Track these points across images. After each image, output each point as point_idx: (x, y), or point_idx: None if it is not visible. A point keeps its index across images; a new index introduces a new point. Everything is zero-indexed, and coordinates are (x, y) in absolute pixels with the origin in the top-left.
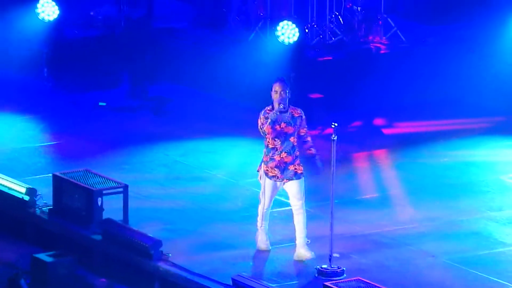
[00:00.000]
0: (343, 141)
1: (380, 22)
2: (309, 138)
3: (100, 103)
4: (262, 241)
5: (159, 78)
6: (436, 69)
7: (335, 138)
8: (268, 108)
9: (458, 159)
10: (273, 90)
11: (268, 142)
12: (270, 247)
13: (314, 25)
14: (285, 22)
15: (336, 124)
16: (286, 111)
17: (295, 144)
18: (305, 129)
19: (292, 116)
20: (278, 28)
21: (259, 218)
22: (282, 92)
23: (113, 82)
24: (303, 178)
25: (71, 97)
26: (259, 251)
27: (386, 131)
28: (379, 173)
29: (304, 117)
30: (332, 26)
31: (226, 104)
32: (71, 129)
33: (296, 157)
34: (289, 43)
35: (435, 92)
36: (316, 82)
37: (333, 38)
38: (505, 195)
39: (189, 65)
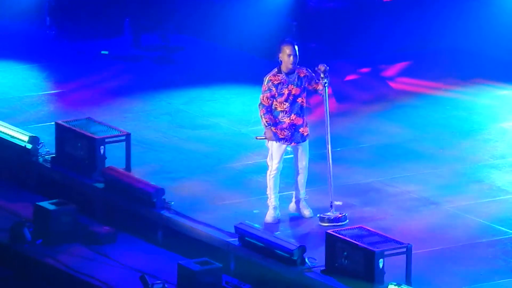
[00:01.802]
0: (343, 90)
1: None
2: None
3: (103, 52)
4: (270, 214)
5: (164, 27)
6: (442, 17)
7: (327, 83)
8: (273, 73)
9: (459, 108)
10: (283, 52)
11: (276, 105)
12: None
13: None
14: None
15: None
16: (293, 73)
17: (304, 105)
18: (318, 83)
19: (298, 77)
20: None
21: (269, 190)
22: (294, 56)
23: (117, 30)
24: (308, 139)
25: (74, 45)
26: (263, 200)
27: (391, 81)
28: (382, 121)
29: (310, 74)
30: None
31: (228, 53)
32: (74, 77)
33: (305, 118)
34: None
35: (440, 42)
36: (318, 31)
37: None
38: (507, 142)
39: (192, 15)
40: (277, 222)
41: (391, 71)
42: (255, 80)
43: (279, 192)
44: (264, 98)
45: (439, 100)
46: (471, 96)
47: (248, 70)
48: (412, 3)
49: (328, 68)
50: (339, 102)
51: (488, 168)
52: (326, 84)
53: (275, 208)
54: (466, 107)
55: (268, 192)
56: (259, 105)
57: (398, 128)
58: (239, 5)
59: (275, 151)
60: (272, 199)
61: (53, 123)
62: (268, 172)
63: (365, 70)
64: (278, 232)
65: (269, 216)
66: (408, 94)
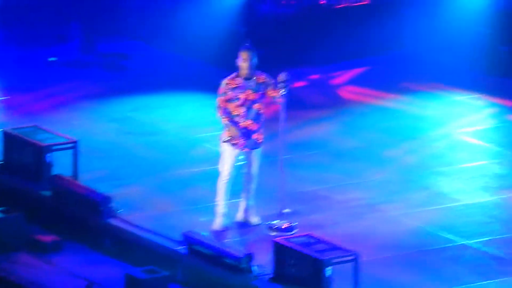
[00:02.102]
0: (297, 95)
1: None
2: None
3: (51, 59)
4: (217, 222)
5: (113, 34)
6: (388, 25)
7: (284, 92)
8: (231, 76)
9: (407, 115)
10: (239, 58)
11: (232, 109)
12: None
13: None
14: None
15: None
16: (251, 78)
17: (261, 111)
18: (276, 90)
19: (257, 83)
20: None
21: (218, 197)
22: (250, 61)
23: (64, 37)
24: (261, 147)
25: (21, 52)
26: (210, 207)
27: (340, 87)
28: (330, 129)
29: (269, 80)
30: None
31: (177, 59)
32: (21, 84)
33: (261, 125)
34: None
35: (387, 49)
36: (267, 37)
37: None
38: (454, 150)
39: (144, 21)
40: (225, 229)
41: (341, 78)
42: (204, 86)
43: (229, 200)
44: (220, 101)
45: (387, 108)
46: (419, 103)
47: (197, 77)
48: (365, 10)
49: (289, 77)
50: (287, 109)
51: (435, 176)
52: (283, 93)
53: (223, 215)
54: (414, 115)
55: (217, 199)
56: (217, 107)
57: (346, 135)
58: (189, 12)
59: (227, 156)
60: (221, 206)
61: (0, 130)
62: (219, 179)
63: (314, 77)
64: (226, 240)
65: (217, 224)
66: (356, 102)
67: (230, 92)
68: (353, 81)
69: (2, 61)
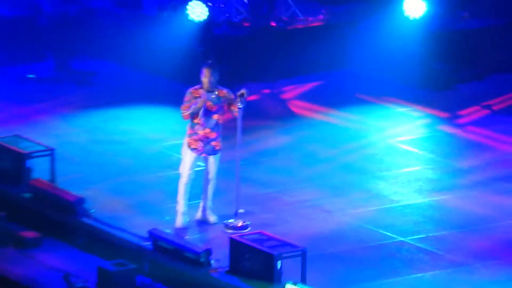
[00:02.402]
0: (251, 107)
1: (280, 1)
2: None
3: (29, 75)
4: (178, 220)
5: (84, 53)
6: (331, 45)
7: (241, 106)
8: (196, 87)
9: (350, 125)
10: (202, 73)
11: (193, 118)
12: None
13: (221, 4)
14: (195, 1)
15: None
16: (212, 91)
17: (220, 121)
18: (234, 104)
19: (217, 96)
20: (188, 7)
21: (179, 197)
22: (210, 77)
23: (40, 56)
24: (219, 154)
25: (1, 69)
26: (172, 208)
27: (288, 101)
28: (278, 138)
29: (229, 95)
30: (237, 5)
31: (142, 76)
32: (1, 99)
33: (219, 134)
34: (198, 21)
35: (332, 66)
36: (223, 56)
37: (237, 17)
38: (392, 156)
39: (111, 42)
40: (185, 227)
41: (291, 93)
42: (167, 100)
43: (189, 200)
44: (184, 106)
45: (331, 121)
46: (361, 115)
47: (160, 92)
48: (314, 31)
49: (247, 93)
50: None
51: (375, 179)
52: (240, 107)
53: (183, 214)
54: (355, 125)
55: (178, 199)
56: (181, 111)
57: (294, 144)
58: (152, 33)
59: (187, 160)
60: (181, 205)
61: None
62: (180, 180)
63: (266, 91)
64: (187, 237)
65: (178, 222)
66: (303, 115)
67: (193, 100)
68: (302, 96)
69: None
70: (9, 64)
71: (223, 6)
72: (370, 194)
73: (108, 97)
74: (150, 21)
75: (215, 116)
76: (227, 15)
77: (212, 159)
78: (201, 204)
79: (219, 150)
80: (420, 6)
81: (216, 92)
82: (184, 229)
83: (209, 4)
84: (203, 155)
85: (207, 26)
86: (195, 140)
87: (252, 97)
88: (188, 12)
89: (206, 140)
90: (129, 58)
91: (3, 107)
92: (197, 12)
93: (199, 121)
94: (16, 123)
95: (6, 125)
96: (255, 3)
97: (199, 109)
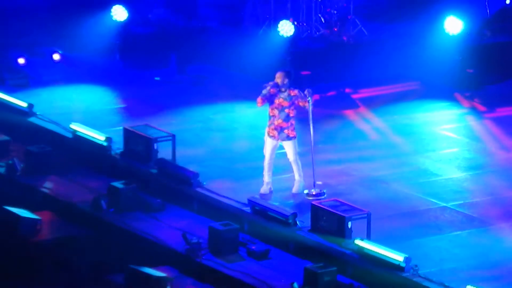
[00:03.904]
0: (324, 103)
1: (350, 21)
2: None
3: (156, 78)
4: (263, 188)
5: (198, 61)
6: (390, 55)
7: (311, 100)
8: (272, 86)
9: (403, 117)
10: (277, 76)
11: (270, 111)
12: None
13: (304, 23)
14: (284, 21)
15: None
16: (285, 91)
17: (291, 115)
18: (303, 101)
19: (289, 95)
20: (279, 25)
21: (264, 172)
22: (279, 79)
23: (165, 63)
24: (295, 140)
25: (136, 73)
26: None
27: (354, 96)
28: (350, 127)
29: (299, 94)
30: (316, 24)
31: (243, 78)
32: (135, 96)
33: (291, 124)
34: (286, 36)
35: (389, 72)
36: (305, 63)
37: (317, 33)
38: (436, 141)
39: (219, 52)
40: (268, 193)
41: (359, 95)
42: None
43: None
44: (259, 98)
45: (391, 110)
46: (412, 108)
47: (256, 89)
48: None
49: (310, 92)
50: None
51: (423, 158)
52: (310, 102)
53: (267, 183)
54: (407, 116)
55: (263, 173)
56: (257, 101)
57: (359, 131)
58: (250, 45)
59: (268, 144)
60: (265, 177)
61: (121, 127)
62: (264, 160)
63: (339, 90)
64: (277, 203)
65: (262, 189)
66: (369, 105)
67: (267, 94)
68: (366, 97)
69: (123, 80)
70: (141, 69)
71: (305, 24)
72: (419, 169)
73: (217, 95)
74: (249, 36)
75: (287, 110)
76: (308, 31)
77: (287, 144)
78: (295, 180)
79: (292, 137)
80: (458, 24)
81: (288, 91)
82: (266, 195)
83: (295, 23)
84: (279, 141)
85: (293, 40)
86: (272, 129)
87: (329, 94)
88: (278, 29)
89: (280, 129)
90: (232, 64)
91: (136, 103)
92: (286, 29)
93: (274, 114)
94: (145, 115)
95: (139, 116)
96: (331, 22)
97: (265, 94)
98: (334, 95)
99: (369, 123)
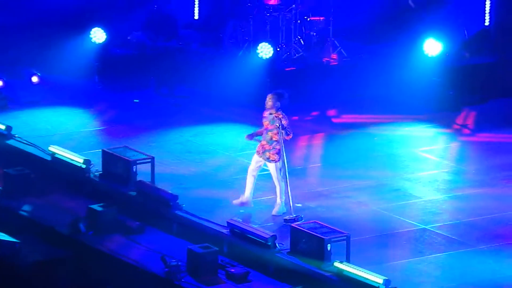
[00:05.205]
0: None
1: (329, 43)
2: (287, 137)
3: (135, 100)
4: (237, 200)
5: (178, 82)
6: (369, 76)
7: (279, 125)
8: (266, 110)
9: (384, 138)
10: (267, 99)
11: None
12: (251, 204)
13: (283, 45)
14: (263, 43)
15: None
16: (271, 114)
17: (274, 138)
18: (285, 124)
19: (274, 118)
20: (258, 47)
21: (246, 187)
22: (269, 101)
23: (145, 85)
24: (276, 164)
25: (115, 95)
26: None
27: (335, 120)
28: (329, 149)
29: (283, 117)
30: (296, 46)
31: (223, 100)
32: (114, 118)
33: (273, 148)
34: (266, 58)
35: (369, 93)
36: (285, 85)
37: (296, 55)
38: (416, 162)
39: (198, 73)
40: (240, 205)
41: (334, 112)
42: (241, 119)
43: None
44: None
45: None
46: (391, 129)
47: (236, 112)
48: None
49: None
50: (299, 135)
51: (403, 180)
52: (279, 125)
53: (243, 196)
54: (386, 137)
55: (245, 188)
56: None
57: (338, 152)
58: (229, 67)
59: (253, 160)
60: (245, 191)
61: (100, 150)
62: (247, 173)
63: (315, 113)
64: (257, 225)
65: (235, 200)
66: (347, 128)
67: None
68: (345, 113)
69: (101, 102)
70: (120, 91)
71: (284, 46)
72: (399, 191)
73: (196, 116)
74: (228, 58)
75: (270, 133)
76: (288, 53)
77: (269, 166)
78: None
79: (273, 160)
80: (437, 46)
81: (274, 114)
82: (252, 217)
83: (278, 48)
84: (262, 160)
85: (272, 62)
86: (259, 146)
87: (312, 114)
88: (258, 51)
89: (263, 150)
90: (212, 85)
91: (114, 125)
92: (265, 51)
93: (262, 134)
94: (125, 136)
95: (118, 139)
96: (310, 43)
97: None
98: (315, 117)
99: (348, 145)
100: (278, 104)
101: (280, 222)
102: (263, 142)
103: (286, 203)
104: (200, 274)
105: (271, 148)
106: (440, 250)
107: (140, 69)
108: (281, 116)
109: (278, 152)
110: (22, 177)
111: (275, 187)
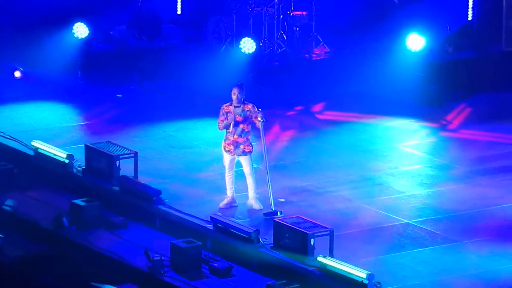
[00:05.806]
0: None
1: (312, 38)
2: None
3: (118, 95)
4: (222, 202)
5: (161, 77)
6: (352, 71)
7: (262, 120)
8: (227, 104)
9: (367, 133)
10: (232, 92)
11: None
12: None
13: (266, 40)
14: (246, 38)
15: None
16: (239, 106)
17: (246, 130)
18: (255, 116)
19: (243, 110)
20: (241, 42)
21: (226, 186)
22: (238, 94)
23: (127, 80)
24: (250, 155)
25: (98, 90)
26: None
27: (318, 115)
28: (312, 144)
29: (253, 109)
30: (278, 40)
31: (205, 95)
32: (97, 113)
33: (247, 139)
34: (249, 53)
35: (351, 88)
36: (268, 80)
37: (279, 49)
38: (399, 157)
39: (180, 68)
40: (228, 207)
41: (318, 108)
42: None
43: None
44: (219, 121)
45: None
46: (375, 125)
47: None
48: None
49: (262, 115)
50: (282, 130)
51: (386, 175)
52: (261, 120)
53: (227, 197)
54: (369, 132)
55: (226, 187)
56: (217, 124)
57: (319, 148)
58: (215, 63)
59: (225, 159)
60: (227, 191)
61: (83, 145)
62: (225, 174)
63: (298, 108)
64: (240, 220)
65: (222, 203)
66: (332, 124)
67: (225, 115)
68: (328, 109)
69: (84, 97)
70: (103, 86)
71: (267, 41)
72: (382, 186)
73: (178, 111)
74: (211, 53)
75: (241, 125)
76: (270, 48)
77: (243, 159)
78: (248, 196)
79: (248, 152)
80: (420, 41)
81: (242, 106)
82: (234, 211)
83: (260, 43)
84: (235, 156)
85: (255, 58)
86: (228, 144)
87: (296, 109)
88: (241, 46)
89: (235, 144)
90: (194, 80)
91: (97, 120)
92: (248, 46)
93: (229, 130)
94: (108, 132)
95: (101, 134)
96: (293, 38)
97: (229, 123)
98: (298, 112)
99: (332, 140)
100: (244, 96)
101: (261, 217)
102: (235, 136)
103: (266, 197)
104: (184, 269)
105: (245, 139)
106: (423, 245)
107: (123, 64)
108: (250, 107)
109: (251, 143)
110: (4, 172)
111: (246, 179)
